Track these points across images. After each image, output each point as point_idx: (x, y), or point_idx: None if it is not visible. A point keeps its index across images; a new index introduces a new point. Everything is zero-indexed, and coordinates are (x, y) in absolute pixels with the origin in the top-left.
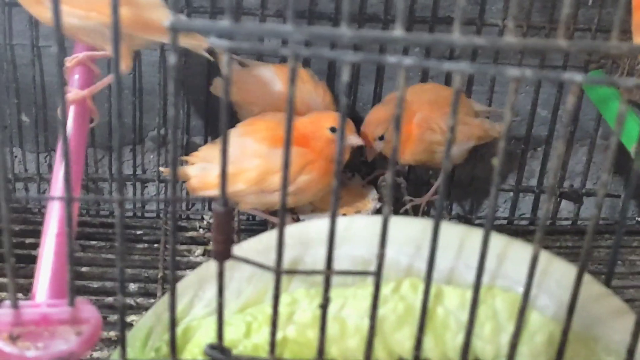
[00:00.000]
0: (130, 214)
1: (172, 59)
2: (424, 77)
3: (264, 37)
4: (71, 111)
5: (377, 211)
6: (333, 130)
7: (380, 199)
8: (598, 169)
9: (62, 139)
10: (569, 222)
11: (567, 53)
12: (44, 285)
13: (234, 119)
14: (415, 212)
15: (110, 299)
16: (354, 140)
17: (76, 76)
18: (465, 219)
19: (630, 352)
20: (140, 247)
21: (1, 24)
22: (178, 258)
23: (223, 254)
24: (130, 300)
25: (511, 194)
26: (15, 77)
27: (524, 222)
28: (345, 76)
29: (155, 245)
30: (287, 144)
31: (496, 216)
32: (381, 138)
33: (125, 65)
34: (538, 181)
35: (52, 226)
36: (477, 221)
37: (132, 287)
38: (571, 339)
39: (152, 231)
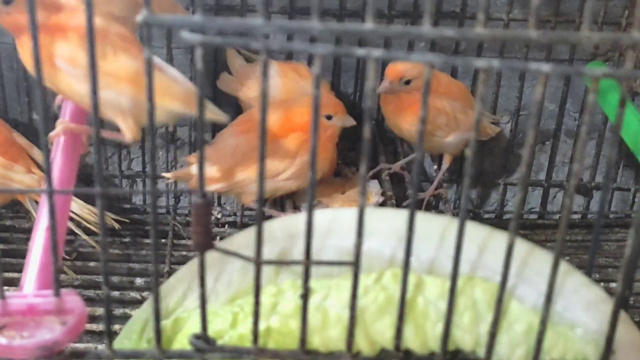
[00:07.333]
0: (139, 210)
1: (146, 53)
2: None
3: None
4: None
5: (380, 205)
6: (329, 117)
7: (383, 193)
8: (607, 163)
9: (42, 130)
10: (579, 216)
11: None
12: (31, 276)
13: (238, 113)
14: (419, 205)
15: (116, 293)
16: (346, 121)
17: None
18: (474, 213)
19: (609, 341)
20: (148, 243)
21: None
22: (184, 253)
23: (203, 245)
24: (136, 295)
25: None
26: (25, 76)
27: (533, 216)
28: (316, 68)
29: (163, 240)
30: (263, 135)
31: (505, 210)
32: (407, 82)
33: (132, 135)
34: (547, 175)
35: (42, 220)
36: (485, 215)
37: (139, 281)
38: (550, 328)
39: (161, 227)
